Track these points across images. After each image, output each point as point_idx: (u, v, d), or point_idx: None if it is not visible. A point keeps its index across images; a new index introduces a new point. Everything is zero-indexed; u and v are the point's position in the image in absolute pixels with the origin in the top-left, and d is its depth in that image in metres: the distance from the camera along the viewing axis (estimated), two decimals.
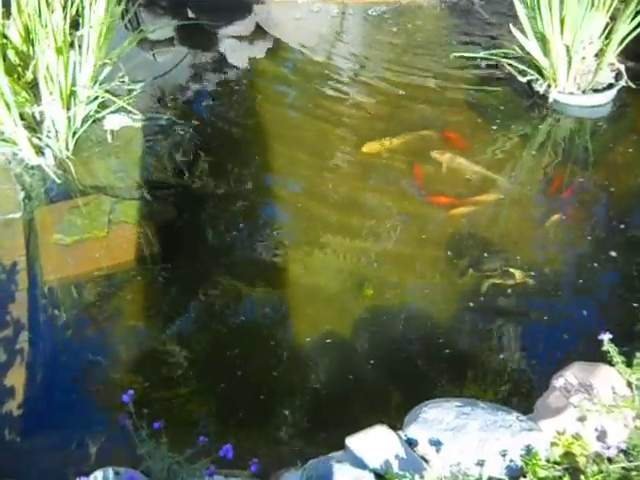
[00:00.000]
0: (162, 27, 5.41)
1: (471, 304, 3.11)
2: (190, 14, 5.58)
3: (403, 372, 2.88)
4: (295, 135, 4.26)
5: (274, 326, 3.13)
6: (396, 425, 2.16)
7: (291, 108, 4.54)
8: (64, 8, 3.67)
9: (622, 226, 3.48)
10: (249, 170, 4.00)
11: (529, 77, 4.32)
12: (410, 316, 3.09)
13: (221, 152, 4.13)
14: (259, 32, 5.41)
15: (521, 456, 2.00)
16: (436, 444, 2.03)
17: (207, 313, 3.22)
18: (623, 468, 2.03)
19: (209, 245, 3.57)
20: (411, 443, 2.09)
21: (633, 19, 4.02)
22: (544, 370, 2.55)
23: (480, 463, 1.96)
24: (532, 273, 3.18)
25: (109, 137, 3.92)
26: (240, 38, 5.41)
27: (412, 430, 2.11)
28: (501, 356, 2.90)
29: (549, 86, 4.23)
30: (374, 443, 2.07)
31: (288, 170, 4.00)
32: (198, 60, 5.14)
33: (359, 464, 2.01)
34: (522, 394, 2.68)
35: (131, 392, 2.14)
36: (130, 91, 4.21)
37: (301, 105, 4.57)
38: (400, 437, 2.10)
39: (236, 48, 5.32)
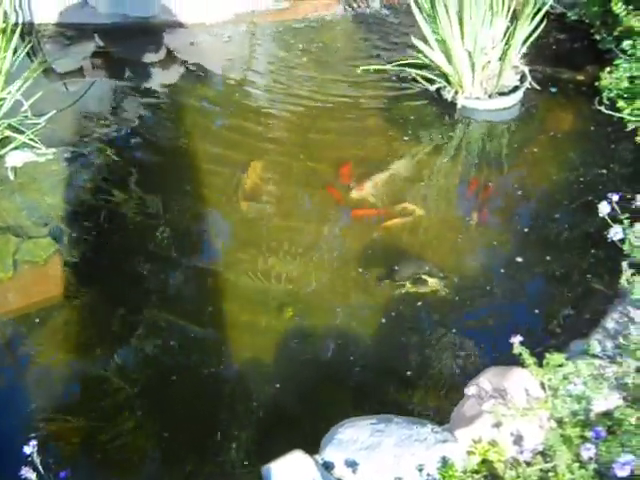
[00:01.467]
0: (69, 57, 5.28)
1: (387, 315, 3.10)
2: (99, 42, 5.46)
3: (323, 392, 2.83)
4: (212, 158, 4.17)
5: (194, 354, 3.04)
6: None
7: (206, 131, 4.46)
8: None
9: (537, 228, 3.55)
10: (165, 198, 3.89)
11: (437, 85, 4.37)
12: (329, 334, 3.05)
13: (135, 181, 4.02)
14: (170, 57, 5.33)
15: (437, 469, 1.97)
16: (352, 465, 1.98)
17: (124, 349, 3.10)
18: (540, 470, 2.02)
19: (125, 278, 3.44)
20: (328, 466, 2.04)
21: (532, 21, 4.12)
22: (460, 378, 2.54)
23: None
24: (446, 280, 3.19)
25: (11, 175, 3.77)
26: (151, 64, 5.32)
27: (328, 453, 2.05)
28: (416, 366, 2.87)
29: (456, 92, 4.28)
30: (290, 470, 2.01)
31: (206, 194, 3.92)
32: (109, 89, 5.03)
33: None
34: (439, 403, 2.66)
35: (34, 443, 2.03)
36: (34, 125, 4.08)
37: (214, 128, 4.51)
38: (317, 461, 2.04)
39: (148, 75, 5.22)
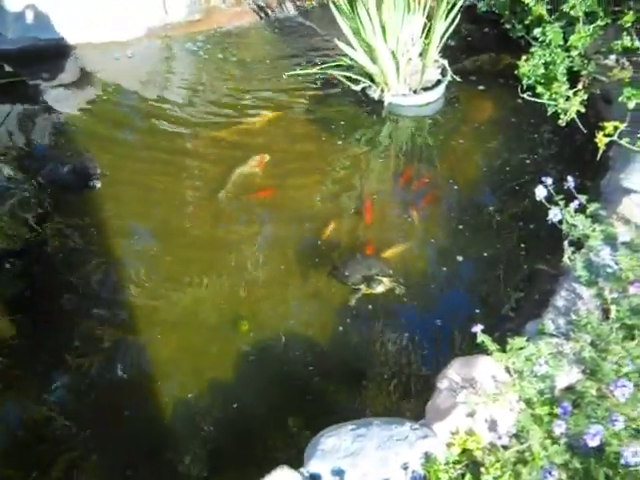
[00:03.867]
0: None
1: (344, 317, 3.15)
2: (7, 68, 5.26)
3: (292, 402, 2.84)
4: (136, 178, 4.10)
5: (147, 377, 3.00)
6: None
7: (126, 150, 4.36)
8: None
9: (474, 217, 3.65)
10: (99, 222, 3.81)
11: (362, 85, 4.43)
12: (287, 343, 3.07)
13: (65, 207, 3.91)
14: (85, 77, 5.21)
15: (421, 465, 2.02)
16: (339, 474, 2.00)
17: (75, 378, 3.04)
18: (517, 452, 2.10)
19: (67, 308, 3.35)
20: (315, 478, 2.05)
21: (447, 16, 4.24)
22: (427, 371, 2.60)
23: None
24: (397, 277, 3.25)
25: None
26: (66, 86, 5.19)
27: (313, 465, 2.06)
28: (382, 365, 2.92)
29: (382, 91, 4.35)
30: None
31: (139, 214, 3.86)
32: (24, 115, 4.86)
33: None
34: (410, 399, 2.72)
35: None
36: None
37: (136, 146, 4.43)
38: (303, 475, 2.05)
39: (63, 97, 5.10)
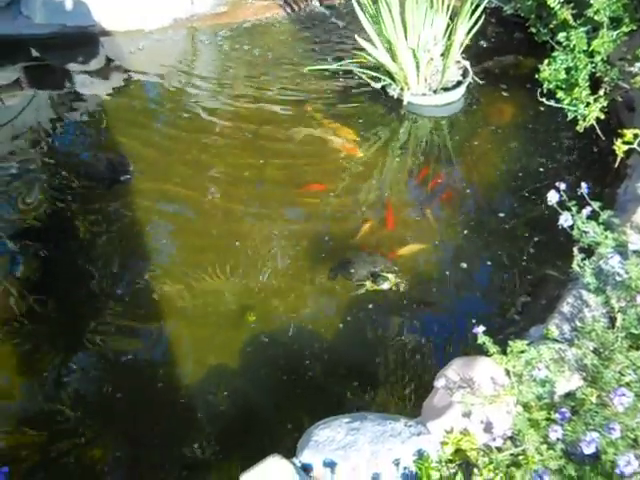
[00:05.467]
0: (4, 70, 5.16)
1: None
2: (34, 54, 5.33)
3: (295, 392, 2.85)
4: (161, 167, 4.14)
5: (159, 364, 3.03)
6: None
7: (152, 140, 4.40)
8: None
9: (487, 219, 3.64)
10: (118, 208, 3.85)
11: (382, 83, 4.42)
12: (294, 335, 3.07)
13: (84, 193, 3.96)
14: (110, 65, 5.27)
15: (413, 462, 2.01)
16: (330, 465, 2.01)
17: (88, 363, 3.10)
18: (511, 454, 2.09)
19: (83, 290, 3.40)
20: (306, 468, 2.06)
21: (471, 17, 4.22)
22: (428, 369, 2.60)
23: (375, 477, 1.95)
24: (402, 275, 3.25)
25: None
26: (91, 73, 5.24)
27: (306, 455, 2.07)
28: (386, 362, 2.92)
29: (402, 90, 4.34)
30: (269, 475, 2.02)
31: (156, 203, 3.89)
32: (49, 100, 4.93)
33: None
34: (409, 397, 2.71)
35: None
36: None
37: (163, 135, 4.46)
38: (295, 464, 2.06)
39: (88, 84, 5.15)
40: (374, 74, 4.42)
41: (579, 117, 3.61)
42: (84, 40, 5.39)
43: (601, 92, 3.68)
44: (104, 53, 5.38)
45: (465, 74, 4.44)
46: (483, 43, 4.94)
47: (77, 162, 4.24)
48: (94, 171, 4.12)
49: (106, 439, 2.75)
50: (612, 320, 2.41)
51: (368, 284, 3.15)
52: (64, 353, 3.11)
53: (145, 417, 2.84)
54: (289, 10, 5.75)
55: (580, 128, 3.61)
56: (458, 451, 2.08)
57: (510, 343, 2.22)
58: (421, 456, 2.01)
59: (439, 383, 2.22)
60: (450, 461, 2.06)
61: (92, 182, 4.05)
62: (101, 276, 3.45)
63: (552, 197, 2.54)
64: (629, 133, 3.08)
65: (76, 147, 4.44)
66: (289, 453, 2.13)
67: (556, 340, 2.38)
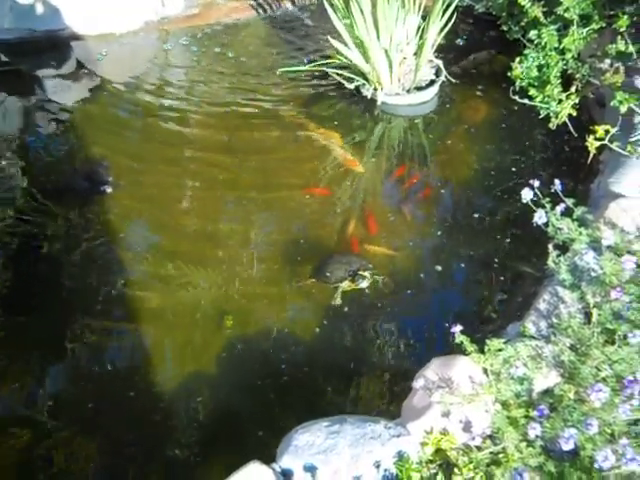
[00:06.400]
0: None
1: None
2: (3, 59, 5.24)
3: (274, 397, 2.83)
4: (136, 173, 4.08)
5: (136, 372, 2.99)
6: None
7: (126, 147, 4.34)
8: None
9: (462, 217, 3.65)
10: (92, 216, 3.80)
11: (356, 83, 4.42)
12: (274, 339, 3.06)
13: (55, 196, 3.89)
14: (81, 70, 5.19)
15: (394, 463, 2.01)
16: (310, 470, 2.00)
17: (64, 372, 3.07)
18: (491, 453, 2.09)
19: (57, 300, 3.34)
20: (286, 474, 2.04)
21: (442, 16, 4.23)
22: (407, 370, 2.59)
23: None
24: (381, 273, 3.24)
25: None
26: (62, 77, 5.16)
27: (286, 460, 2.06)
28: (365, 363, 2.91)
29: (375, 90, 4.34)
30: None
31: (130, 210, 3.84)
32: (19, 107, 4.85)
33: None
34: (389, 397, 2.71)
35: None
36: None
37: (136, 141, 4.42)
38: (275, 470, 2.04)
39: (59, 89, 5.07)
40: (348, 75, 4.41)
41: (551, 114, 3.64)
42: (54, 45, 5.31)
43: (573, 89, 3.71)
44: (75, 58, 5.31)
45: (438, 73, 4.46)
46: (456, 42, 4.97)
47: (52, 172, 4.15)
48: (71, 183, 4.04)
49: (84, 448, 2.71)
50: (588, 316, 2.42)
51: (346, 284, 3.14)
52: (38, 365, 3.07)
53: (123, 425, 2.80)
54: (261, 11, 5.73)
55: (553, 125, 3.64)
56: (438, 451, 2.08)
57: (487, 342, 2.22)
58: (401, 457, 2.01)
59: (418, 383, 2.22)
60: (430, 461, 2.06)
61: (70, 194, 3.96)
62: (76, 285, 3.40)
63: (526, 195, 2.55)
64: (600, 129, 3.12)
65: (49, 156, 4.34)
66: (269, 459, 2.11)
67: (533, 337, 2.40)
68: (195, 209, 3.82)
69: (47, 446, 2.71)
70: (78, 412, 2.85)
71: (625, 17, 3.41)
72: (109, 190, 3.93)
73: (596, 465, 1.88)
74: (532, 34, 3.80)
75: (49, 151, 4.39)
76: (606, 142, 3.13)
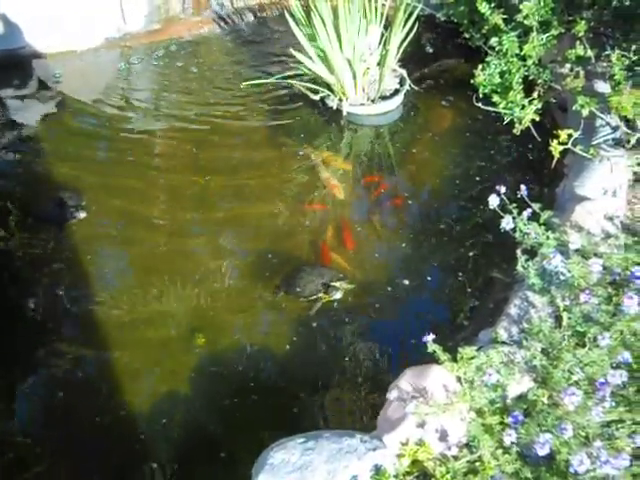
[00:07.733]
0: None
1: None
2: None
3: (249, 415, 2.79)
4: (105, 192, 4.03)
5: (108, 393, 2.93)
6: None
7: (92, 167, 4.27)
8: None
9: (431, 224, 3.66)
10: (61, 237, 3.73)
11: (321, 94, 4.42)
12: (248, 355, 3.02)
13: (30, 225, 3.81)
14: (43, 89, 5.11)
15: (371, 477, 1.98)
16: None
17: (35, 392, 3.00)
18: (468, 462, 2.08)
19: (26, 322, 3.28)
20: None
21: (404, 26, 4.25)
22: (381, 381, 2.58)
23: None
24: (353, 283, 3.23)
25: None
26: (23, 97, 5.08)
27: (262, 479, 2.02)
28: (339, 376, 2.89)
29: (340, 100, 4.35)
30: None
31: (100, 230, 3.79)
32: None
33: None
34: (365, 411, 2.69)
35: None
36: None
37: (102, 161, 4.36)
38: None
39: (20, 109, 4.98)
40: (312, 86, 4.41)
41: (515, 120, 3.67)
42: (14, 63, 5.22)
43: (535, 94, 3.75)
44: (36, 76, 5.23)
45: (402, 82, 4.48)
46: (420, 50, 4.99)
47: (20, 199, 4.02)
48: (42, 212, 3.91)
49: (54, 472, 2.64)
50: (558, 319, 2.43)
51: (320, 296, 3.12)
52: (6, 385, 3.00)
53: (94, 448, 2.74)
54: (224, 25, 5.71)
55: (517, 131, 3.66)
56: (415, 462, 2.06)
57: (460, 350, 2.22)
58: (378, 471, 1.98)
59: (392, 395, 2.20)
60: (407, 473, 2.04)
61: (41, 223, 3.85)
62: (47, 306, 3.33)
63: (493, 201, 2.56)
64: (563, 133, 3.16)
65: (16, 181, 4.22)
66: (245, 478, 2.08)
67: (505, 343, 2.39)
68: (166, 222, 3.78)
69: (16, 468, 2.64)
70: (45, 436, 2.78)
71: (583, 22, 3.46)
72: (82, 215, 3.82)
73: (571, 469, 1.88)
74: (493, 41, 3.83)
75: (16, 176, 4.28)
76: (569, 146, 3.17)
